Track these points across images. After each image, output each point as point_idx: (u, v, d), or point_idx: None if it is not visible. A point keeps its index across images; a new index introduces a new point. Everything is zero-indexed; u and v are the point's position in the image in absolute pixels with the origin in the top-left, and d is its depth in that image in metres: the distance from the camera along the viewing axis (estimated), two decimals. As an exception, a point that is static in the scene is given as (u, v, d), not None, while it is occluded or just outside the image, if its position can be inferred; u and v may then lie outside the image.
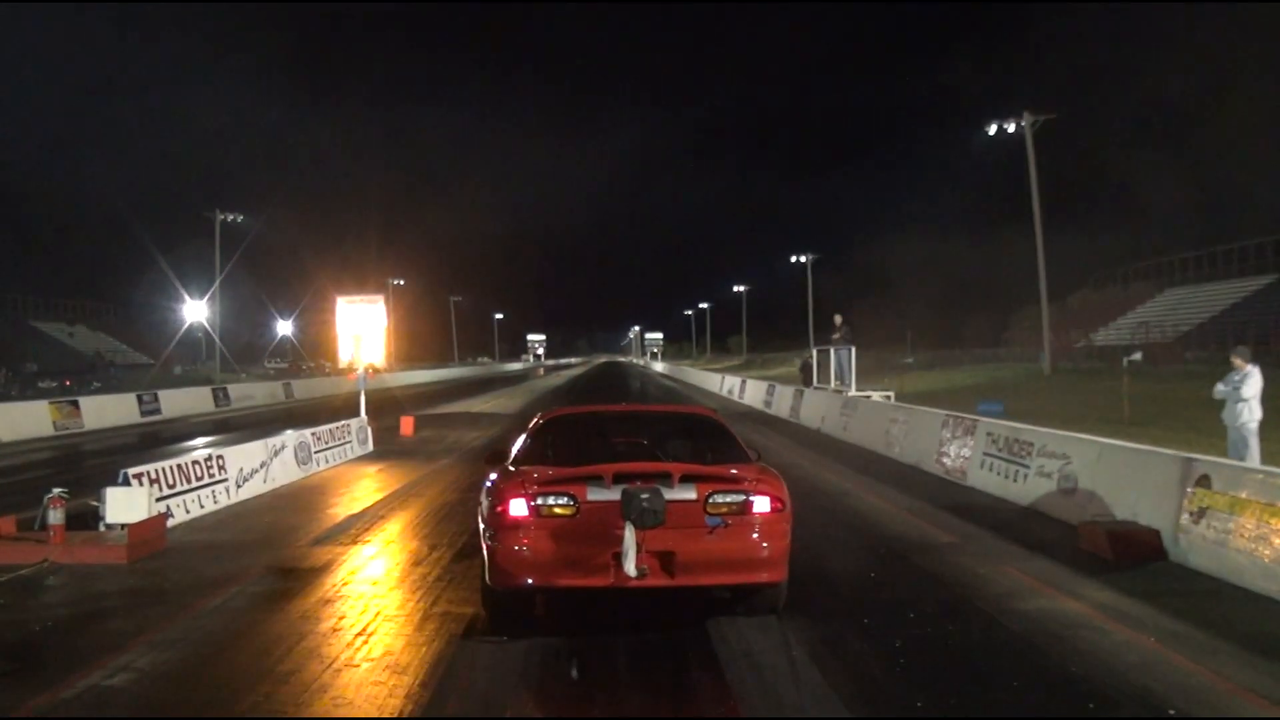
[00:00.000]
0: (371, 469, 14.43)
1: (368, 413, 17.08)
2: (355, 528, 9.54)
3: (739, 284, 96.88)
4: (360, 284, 52.27)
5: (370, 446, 16.48)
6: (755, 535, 5.50)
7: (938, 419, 13.53)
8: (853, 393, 20.14)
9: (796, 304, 69.78)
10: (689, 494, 5.43)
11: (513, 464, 6.28)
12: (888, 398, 19.35)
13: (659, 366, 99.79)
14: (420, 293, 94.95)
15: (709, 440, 6.74)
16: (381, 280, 72.00)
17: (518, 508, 5.47)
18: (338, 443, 15.06)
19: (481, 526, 5.90)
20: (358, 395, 17.21)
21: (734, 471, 5.79)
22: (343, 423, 15.74)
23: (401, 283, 77.81)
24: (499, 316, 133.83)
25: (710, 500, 5.46)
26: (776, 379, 33.07)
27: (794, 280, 70.18)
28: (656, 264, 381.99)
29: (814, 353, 25.06)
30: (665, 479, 5.42)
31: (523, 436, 6.84)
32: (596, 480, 5.46)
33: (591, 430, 7.18)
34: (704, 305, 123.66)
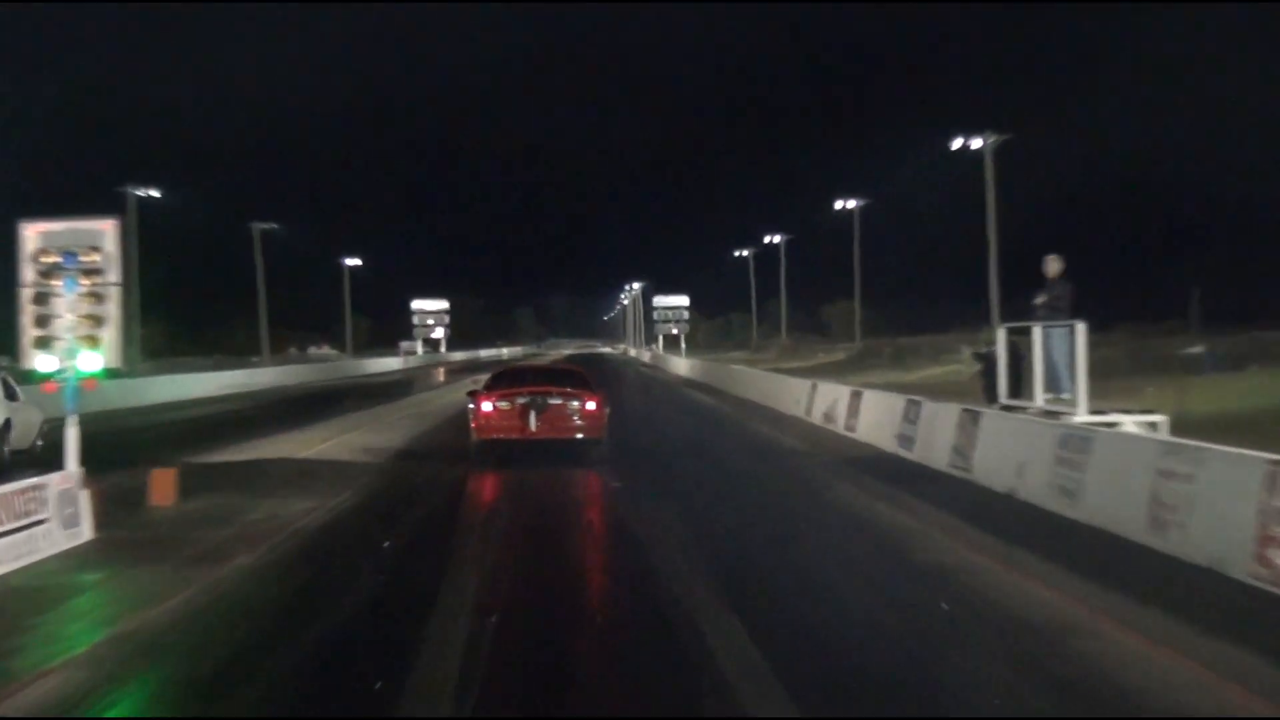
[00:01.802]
0: (87, 579, 8.79)
1: (83, 461, 10.67)
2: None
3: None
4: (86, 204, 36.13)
5: (86, 531, 10.18)
6: (583, 420, 16.03)
7: (1263, 470, 8.14)
8: (1082, 417, 13.02)
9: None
10: (558, 400, 16.09)
11: (483, 389, 16.87)
12: (1153, 427, 12.79)
13: (683, 366, 59.42)
14: (220, 228, 65.10)
15: (576, 380, 17.49)
16: (119, 192, 46.28)
17: (487, 406, 15.94)
18: (15, 524, 8.82)
19: (469, 417, 16.15)
20: (63, 423, 10.76)
21: (577, 392, 16.42)
22: (29, 483, 9.44)
23: (156, 194, 48.80)
24: (353, 263, 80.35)
25: (568, 403, 16.12)
26: (917, 387, 24.86)
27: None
28: (663, 198, 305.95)
29: (1001, 336, 15.54)
30: (549, 394, 16.15)
31: (487, 377, 18.89)
32: (521, 395, 16.07)
33: (519, 374, 19.42)
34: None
